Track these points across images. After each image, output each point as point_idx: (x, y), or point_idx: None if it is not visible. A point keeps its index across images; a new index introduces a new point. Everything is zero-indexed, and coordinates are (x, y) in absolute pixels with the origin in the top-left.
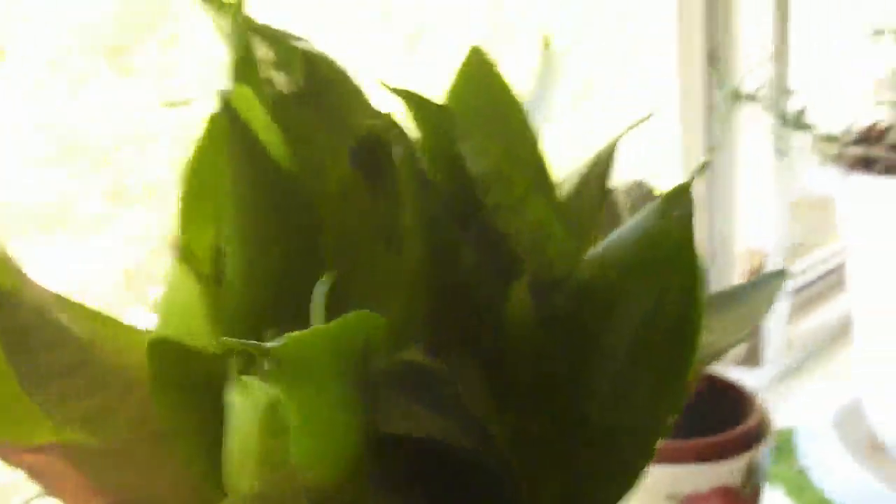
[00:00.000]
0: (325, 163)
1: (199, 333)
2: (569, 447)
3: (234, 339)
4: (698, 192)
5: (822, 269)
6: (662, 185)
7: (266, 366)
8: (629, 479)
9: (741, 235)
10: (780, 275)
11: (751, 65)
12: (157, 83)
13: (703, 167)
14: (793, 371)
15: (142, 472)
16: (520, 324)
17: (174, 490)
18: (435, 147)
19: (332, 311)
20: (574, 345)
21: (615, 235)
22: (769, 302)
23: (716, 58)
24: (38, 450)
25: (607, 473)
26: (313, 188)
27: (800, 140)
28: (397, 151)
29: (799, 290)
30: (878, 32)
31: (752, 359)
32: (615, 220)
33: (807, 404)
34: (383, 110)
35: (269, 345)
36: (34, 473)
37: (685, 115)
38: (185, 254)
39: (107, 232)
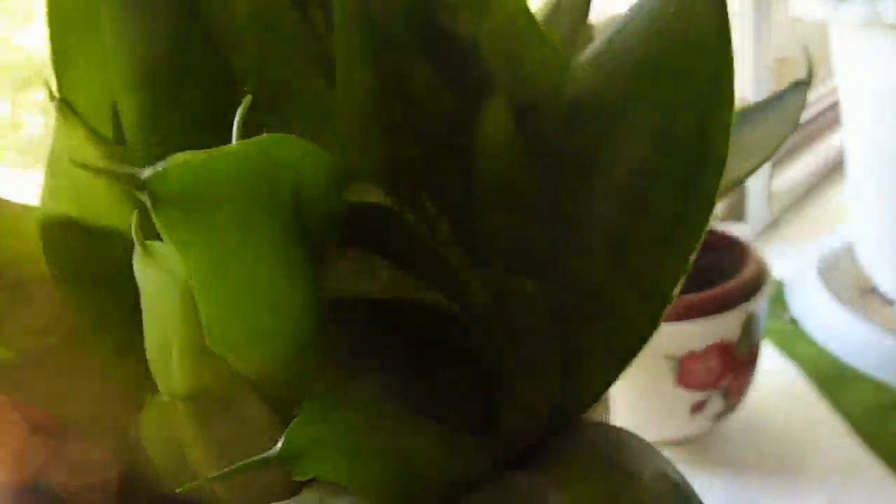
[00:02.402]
0: None
1: (100, 207)
2: (559, 312)
3: (88, 164)
4: None
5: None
6: None
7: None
8: (631, 350)
9: None
10: (802, 87)
11: None
12: None
13: None
14: (777, 224)
15: (60, 382)
16: (495, 155)
17: (102, 398)
18: None
19: None
20: (562, 182)
21: (614, 31)
22: (793, 118)
23: None
24: None
25: (607, 344)
26: (217, 21)
27: None
28: None
29: None
30: None
31: (735, 213)
32: None
33: (793, 256)
34: None
35: (142, 172)
36: None
37: None
38: (69, 108)
39: None
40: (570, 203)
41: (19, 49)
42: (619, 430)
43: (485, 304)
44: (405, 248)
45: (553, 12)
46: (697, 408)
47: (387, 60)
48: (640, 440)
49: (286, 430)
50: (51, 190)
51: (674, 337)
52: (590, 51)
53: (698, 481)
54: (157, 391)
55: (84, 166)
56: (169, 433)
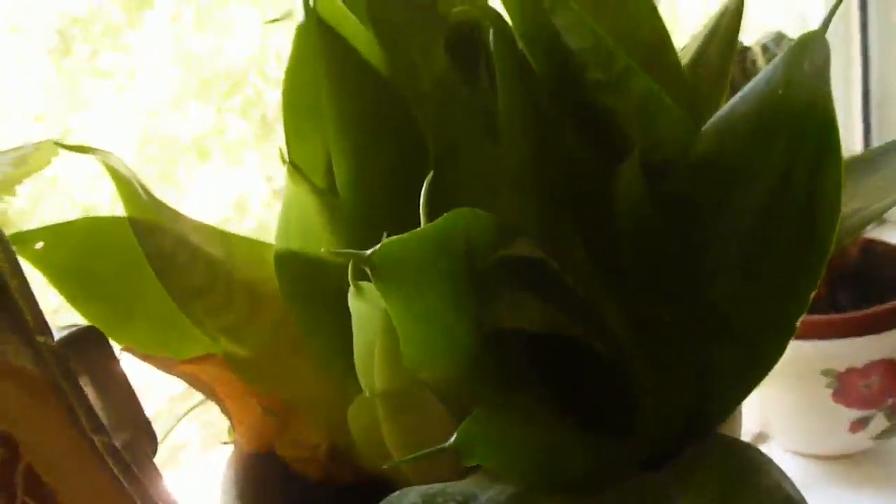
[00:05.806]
0: (417, 62)
1: (320, 244)
2: (692, 338)
3: (337, 250)
4: (845, 33)
5: None
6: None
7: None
8: (758, 373)
9: None
10: None
11: None
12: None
13: None
14: None
15: (286, 375)
16: (630, 207)
17: (318, 389)
18: (530, 25)
19: (439, 211)
20: (690, 228)
21: (735, 100)
22: None
23: None
24: (196, 361)
25: (735, 367)
26: (409, 90)
27: None
28: (493, 35)
29: None
30: None
31: None
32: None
33: None
34: None
35: (367, 252)
36: (193, 381)
37: None
38: (296, 168)
39: (254, 152)
40: (699, 245)
41: (222, 61)
42: (744, 445)
43: (623, 332)
44: (553, 289)
45: (707, 39)
46: (859, 425)
47: (541, 130)
48: (763, 455)
49: (458, 428)
50: (283, 230)
51: (831, 353)
52: (714, 119)
53: (856, 498)
54: (362, 389)
55: (328, 251)
56: (371, 423)
